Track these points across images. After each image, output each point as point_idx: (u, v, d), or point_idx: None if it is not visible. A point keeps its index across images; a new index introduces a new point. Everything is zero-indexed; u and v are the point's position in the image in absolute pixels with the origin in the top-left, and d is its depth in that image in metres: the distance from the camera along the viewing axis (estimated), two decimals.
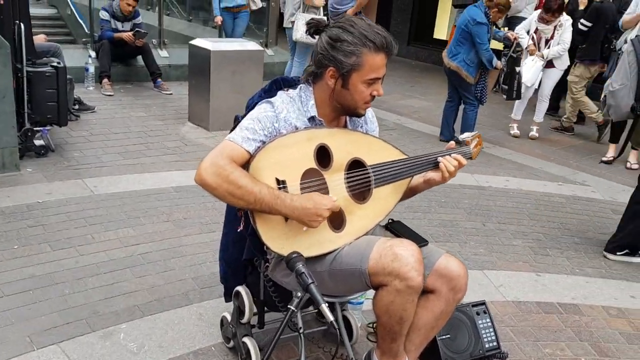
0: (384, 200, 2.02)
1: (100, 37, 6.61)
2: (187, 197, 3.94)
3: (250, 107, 2.17)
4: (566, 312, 3.03)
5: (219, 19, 7.51)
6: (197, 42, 5.59)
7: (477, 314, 2.48)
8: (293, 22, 6.34)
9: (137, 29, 6.58)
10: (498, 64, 5.61)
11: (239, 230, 2.12)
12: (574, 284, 3.34)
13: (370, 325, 2.62)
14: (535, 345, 2.72)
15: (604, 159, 5.80)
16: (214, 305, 2.77)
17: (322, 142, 1.92)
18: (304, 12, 6.26)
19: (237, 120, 2.24)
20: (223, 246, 2.37)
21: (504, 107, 7.37)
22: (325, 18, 2.04)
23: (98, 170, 4.29)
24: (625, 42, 5.41)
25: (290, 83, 2.25)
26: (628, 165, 5.68)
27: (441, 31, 11.05)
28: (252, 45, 5.71)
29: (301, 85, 2.05)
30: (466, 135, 2.18)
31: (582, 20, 6.28)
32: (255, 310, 2.25)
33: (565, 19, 6.03)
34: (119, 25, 6.62)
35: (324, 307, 1.59)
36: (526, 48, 6.09)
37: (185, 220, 3.63)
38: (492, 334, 2.47)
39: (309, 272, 1.67)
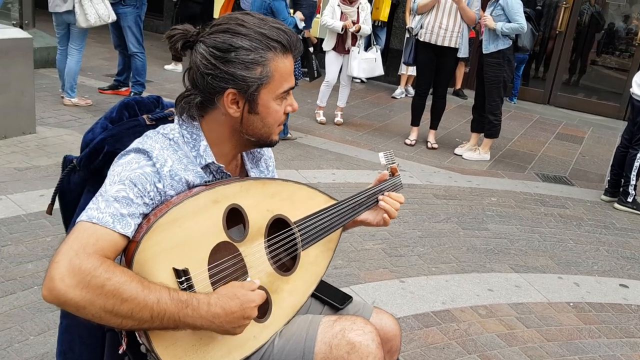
0: (314, 264, 1.52)
1: None
2: None
3: (93, 148, 1.45)
4: (443, 321, 2.91)
5: None
6: None
7: None
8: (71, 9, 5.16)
9: None
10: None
11: (120, 352, 1.39)
12: (437, 285, 3.25)
13: None
14: None
15: (407, 141, 6.01)
16: None
17: (234, 202, 1.33)
18: None
19: (67, 163, 1.50)
20: (65, 345, 1.57)
21: (305, 93, 7.22)
22: (190, 26, 1.40)
23: None
24: (422, 27, 5.59)
25: (148, 108, 1.59)
26: (429, 145, 5.98)
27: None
28: (16, 32, 4.49)
29: (179, 119, 1.41)
30: (388, 160, 1.76)
31: None
32: None
33: (364, 0, 6.03)
34: None
35: None
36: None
37: None
38: None
39: None
